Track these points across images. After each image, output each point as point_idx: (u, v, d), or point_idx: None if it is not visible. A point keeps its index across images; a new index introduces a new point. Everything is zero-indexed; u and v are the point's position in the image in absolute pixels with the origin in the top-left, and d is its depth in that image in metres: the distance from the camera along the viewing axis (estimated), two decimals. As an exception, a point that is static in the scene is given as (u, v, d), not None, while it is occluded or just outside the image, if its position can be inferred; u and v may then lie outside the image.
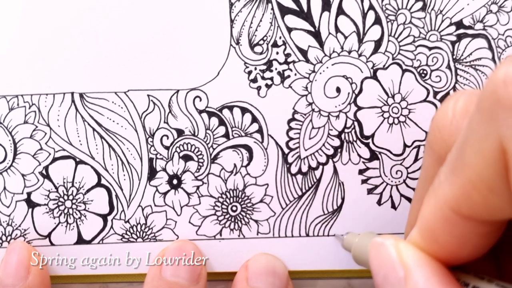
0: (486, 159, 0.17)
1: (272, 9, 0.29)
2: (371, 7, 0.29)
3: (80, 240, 0.31)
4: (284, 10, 0.29)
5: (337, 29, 0.29)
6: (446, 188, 0.18)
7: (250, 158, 0.30)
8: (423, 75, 0.29)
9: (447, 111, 0.21)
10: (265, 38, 0.30)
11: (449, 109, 0.21)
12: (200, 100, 0.30)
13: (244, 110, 0.30)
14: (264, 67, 0.30)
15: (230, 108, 0.30)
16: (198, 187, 0.30)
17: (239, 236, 0.30)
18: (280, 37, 0.29)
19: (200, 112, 0.30)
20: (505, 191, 0.17)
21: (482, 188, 0.17)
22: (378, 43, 0.29)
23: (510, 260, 0.22)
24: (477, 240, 0.19)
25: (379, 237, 0.21)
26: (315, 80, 0.30)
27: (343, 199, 0.30)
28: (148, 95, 0.30)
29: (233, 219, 0.30)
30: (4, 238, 0.31)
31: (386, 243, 0.21)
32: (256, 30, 0.29)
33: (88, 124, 0.30)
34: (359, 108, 0.30)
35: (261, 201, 0.30)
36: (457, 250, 0.19)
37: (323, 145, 0.30)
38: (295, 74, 0.30)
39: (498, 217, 0.18)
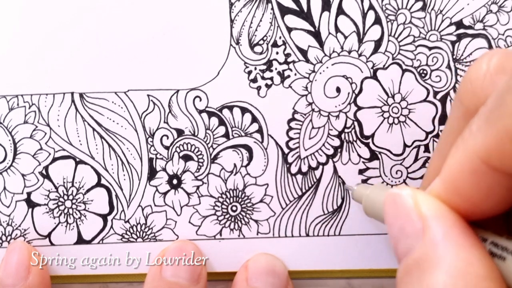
0: None
1: (272, 9, 0.29)
2: (371, 7, 0.29)
3: (80, 240, 0.31)
4: (284, 10, 0.29)
5: (337, 29, 0.29)
6: (478, 137, 0.18)
7: (250, 158, 0.30)
8: (423, 75, 0.29)
9: (481, 65, 0.21)
10: (265, 38, 0.29)
11: (484, 63, 0.21)
12: (200, 100, 0.30)
13: (244, 110, 0.30)
14: (264, 67, 0.30)
15: (230, 108, 0.30)
16: (198, 187, 0.30)
17: (239, 236, 0.30)
18: (280, 37, 0.29)
19: (200, 112, 0.30)
20: None
21: None
22: (378, 43, 0.29)
23: None
24: (502, 193, 0.18)
25: (396, 187, 0.21)
26: (315, 80, 0.30)
27: (343, 199, 0.30)
28: (148, 95, 0.30)
29: (233, 219, 0.30)
30: (4, 238, 0.31)
31: (403, 193, 0.20)
32: (256, 30, 0.29)
33: (88, 124, 0.30)
34: (359, 108, 0.30)
35: (261, 201, 0.30)
36: (480, 203, 0.19)
37: (323, 145, 0.30)
38: (295, 74, 0.30)
39: None
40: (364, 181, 0.30)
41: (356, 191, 0.28)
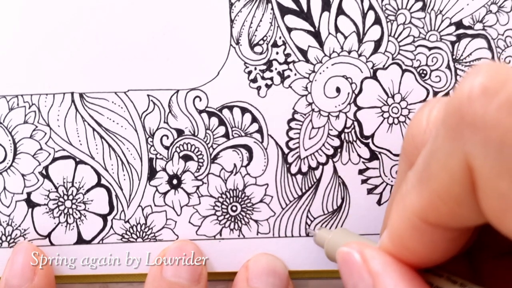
0: (452, 175, 0.17)
1: (272, 9, 0.29)
2: (371, 7, 0.29)
3: (80, 240, 0.31)
4: (284, 10, 0.29)
5: (337, 29, 0.29)
6: (413, 197, 0.18)
7: (250, 158, 0.30)
8: (423, 75, 0.30)
9: (421, 120, 0.21)
10: (265, 38, 0.30)
11: (424, 117, 0.21)
12: (200, 100, 0.30)
13: (244, 110, 0.30)
14: (264, 67, 0.30)
15: (230, 108, 0.30)
16: (198, 187, 0.30)
17: (239, 236, 0.30)
18: (280, 37, 0.29)
19: (200, 112, 0.30)
20: (472, 204, 0.17)
21: (449, 200, 0.17)
22: (378, 43, 0.29)
23: (484, 261, 0.22)
24: (446, 245, 0.19)
25: (344, 245, 0.21)
26: (315, 80, 0.30)
27: (343, 199, 0.30)
28: (148, 95, 0.30)
29: (233, 219, 0.30)
30: (4, 238, 0.31)
31: (351, 251, 0.20)
32: (256, 30, 0.29)
33: (88, 124, 0.30)
34: (359, 108, 0.30)
35: (261, 201, 0.30)
36: (427, 255, 0.19)
37: (323, 145, 0.30)
38: (295, 74, 0.30)
39: (465, 224, 0.18)
40: (364, 182, 0.30)
41: (317, 235, 0.28)
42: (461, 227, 0.18)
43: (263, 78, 0.30)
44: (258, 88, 0.30)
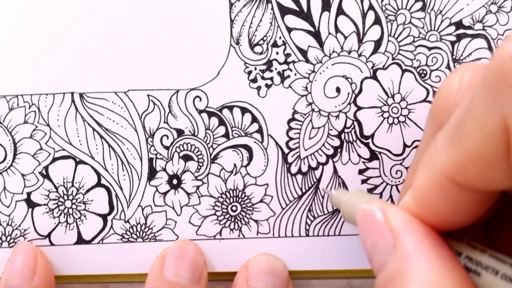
0: (487, 135, 0.16)
1: (272, 9, 0.29)
2: (371, 7, 0.29)
3: (80, 240, 0.31)
4: (284, 10, 0.29)
5: (337, 29, 0.29)
6: (443, 156, 0.18)
7: (250, 158, 0.30)
8: (422, 75, 0.30)
9: (453, 82, 0.21)
10: (265, 38, 0.30)
11: (455, 80, 0.21)
12: (200, 100, 0.30)
13: (244, 110, 0.30)
14: (264, 67, 0.30)
15: (230, 108, 0.30)
16: (198, 187, 0.30)
17: (239, 236, 0.30)
18: (280, 37, 0.29)
19: (200, 112, 0.30)
20: (504, 166, 0.17)
21: (480, 161, 0.17)
22: (377, 43, 0.29)
23: (501, 230, 0.22)
24: (471, 207, 0.19)
25: (366, 202, 0.21)
26: (315, 80, 0.30)
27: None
28: (148, 95, 0.30)
29: (233, 219, 0.30)
30: (4, 238, 0.31)
31: (373, 209, 0.20)
32: (256, 30, 0.29)
33: (88, 124, 0.30)
34: (359, 108, 0.30)
35: (261, 201, 0.30)
36: (450, 217, 0.19)
37: (323, 145, 0.30)
38: (295, 74, 0.30)
39: (493, 187, 0.18)
40: (364, 182, 0.30)
41: (334, 196, 0.28)
42: (488, 190, 0.18)
43: (263, 78, 0.30)
44: (258, 88, 0.30)
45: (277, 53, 0.30)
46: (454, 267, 0.18)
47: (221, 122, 0.30)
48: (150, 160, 0.30)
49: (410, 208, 0.20)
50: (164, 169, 0.30)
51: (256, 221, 0.30)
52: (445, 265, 0.18)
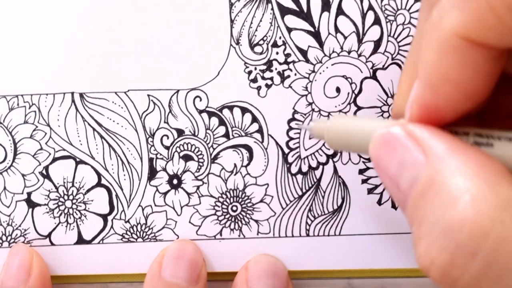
0: None
1: (272, 9, 0.29)
2: (371, 7, 0.29)
3: (80, 240, 0.31)
4: (284, 10, 0.29)
5: (336, 29, 0.29)
6: (454, 15, 0.17)
7: (250, 158, 0.30)
8: (422, 75, 0.30)
9: None
10: (265, 38, 0.30)
11: None
12: (200, 100, 0.30)
13: (244, 110, 0.30)
14: (264, 67, 0.30)
15: (230, 108, 0.30)
16: (198, 187, 0.30)
17: (239, 236, 0.30)
18: (280, 37, 0.30)
19: (200, 112, 0.30)
20: None
21: (501, 9, 0.16)
22: (377, 43, 0.29)
23: (495, 123, 0.21)
24: (488, 67, 0.18)
25: (382, 127, 0.20)
26: (315, 80, 0.30)
27: (343, 199, 0.30)
28: (148, 95, 0.30)
29: (233, 219, 0.30)
30: (4, 238, 0.30)
31: (392, 130, 0.19)
32: (256, 30, 0.30)
33: (88, 124, 0.30)
34: (359, 108, 0.30)
35: (261, 201, 0.30)
36: (468, 84, 0.18)
37: (323, 145, 0.30)
38: (295, 74, 0.30)
39: (510, 43, 0.17)
40: (364, 181, 0.30)
41: (315, 127, 0.25)
42: (504, 47, 0.17)
43: (263, 78, 0.30)
44: (258, 88, 0.30)
45: (277, 53, 0.30)
46: (489, 158, 0.18)
47: (221, 122, 0.30)
48: (151, 160, 0.30)
49: (423, 96, 0.19)
50: (165, 169, 0.30)
51: (256, 221, 0.30)
52: (481, 156, 0.18)
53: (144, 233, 0.30)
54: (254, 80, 0.30)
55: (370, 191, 0.30)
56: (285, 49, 0.30)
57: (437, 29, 0.18)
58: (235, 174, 0.30)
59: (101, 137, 0.30)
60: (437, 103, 0.19)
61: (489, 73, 0.18)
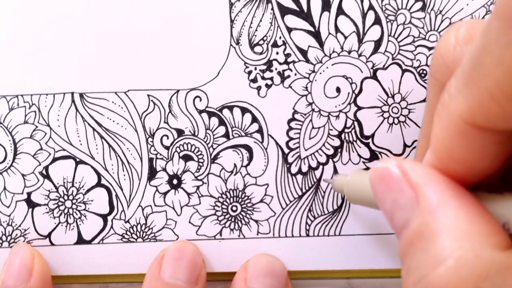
0: (507, 68, 0.16)
1: (272, 9, 0.29)
2: (371, 7, 0.29)
3: (80, 240, 0.31)
4: (284, 10, 0.29)
5: (337, 29, 0.29)
6: (459, 101, 0.18)
7: (250, 158, 0.30)
8: (422, 75, 0.30)
9: (449, 38, 0.21)
10: (265, 38, 0.30)
11: (451, 36, 0.21)
12: (200, 100, 0.30)
13: (244, 110, 0.30)
14: (264, 67, 0.30)
15: (230, 108, 0.30)
16: (198, 187, 0.30)
17: (239, 236, 0.30)
18: (280, 37, 0.29)
19: (200, 112, 0.30)
20: None
21: (501, 97, 0.16)
22: (378, 43, 0.29)
23: None
24: (495, 149, 0.18)
25: (379, 161, 0.20)
26: (315, 80, 0.30)
27: (343, 199, 0.30)
28: (148, 95, 0.30)
29: (233, 219, 0.30)
30: (4, 238, 0.31)
31: (388, 166, 0.19)
32: (256, 30, 0.29)
33: (88, 124, 0.30)
34: (359, 108, 0.30)
35: (261, 201, 0.30)
36: (474, 164, 0.18)
37: (323, 145, 0.30)
38: (295, 74, 0.30)
39: None
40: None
41: (336, 181, 0.27)
42: (509, 129, 0.17)
43: (263, 78, 0.30)
44: (258, 88, 0.30)
45: (277, 53, 0.30)
46: (481, 213, 0.18)
47: (221, 122, 0.30)
48: (150, 160, 0.30)
49: (432, 164, 0.19)
50: (164, 169, 0.30)
51: (256, 221, 0.30)
52: (473, 212, 0.18)
53: (144, 233, 0.31)
54: (254, 80, 0.30)
55: (370, 191, 0.30)
56: (285, 49, 0.30)
57: (446, 112, 0.18)
58: (235, 174, 0.30)
59: (101, 137, 0.30)
60: (448, 174, 0.19)
61: (497, 154, 0.18)
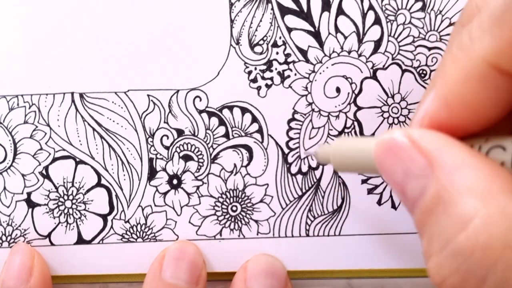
0: None
1: (272, 9, 0.29)
2: (371, 7, 0.29)
3: (80, 240, 0.31)
4: (284, 10, 0.29)
5: (337, 29, 0.29)
6: (485, 41, 0.17)
7: (250, 158, 0.30)
8: (422, 75, 0.30)
9: None
10: (265, 38, 0.30)
11: None
12: (200, 100, 0.30)
13: (244, 110, 0.30)
14: (264, 67, 0.30)
15: (230, 108, 0.30)
16: (198, 187, 0.30)
17: (239, 236, 0.30)
18: (280, 37, 0.29)
19: (200, 112, 0.30)
20: None
21: None
22: (377, 43, 0.29)
23: None
24: (508, 96, 0.18)
25: (384, 133, 0.19)
26: (315, 80, 0.30)
27: (343, 199, 0.30)
28: (148, 95, 0.30)
29: (233, 219, 0.30)
30: (4, 238, 0.31)
31: (395, 137, 0.19)
32: (256, 30, 0.29)
33: (88, 124, 0.30)
34: (359, 108, 0.30)
35: (261, 201, 0.30)
36: (487, 111, 0.18)
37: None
38: (295, 74, 0.30)
39: None
40: (364, 182, 0.30)
41: (320, 151, 0.26)
42: None
43: (263, 78, 0.30)
44: (258, 88, 0.30)
45: (277, 53, 0.30)
46: (498, 170, 0.17)
47: (221, 122, 0.30)
48: (150, 160, 0.30)
49: (437, 111, 0.19)
50: (164, 169, 0.30)
51: (256, 221, 0.30)
52: (490, 170, 0.17)
53: (144, 233, 0.30)
54: (254, 80, 0.30)
55: (370, 191, 0.30)
56: (285, 49, 0.30)
57: (467, 53, 0.18)
58: (235, 174, 0.30)
59: (101, 137, 0.30)
60: (451, 121, 0.19)
61: (508, 101, 0.18)
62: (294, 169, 0.30)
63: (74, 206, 0.30)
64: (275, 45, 0.30)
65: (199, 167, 0.30)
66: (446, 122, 0.19)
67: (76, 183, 0.30)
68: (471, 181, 0.17)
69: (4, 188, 0.30)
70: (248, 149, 0.30)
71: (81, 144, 0.30)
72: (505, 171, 0.17)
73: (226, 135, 0.30)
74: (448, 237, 0.17)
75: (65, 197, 0.30)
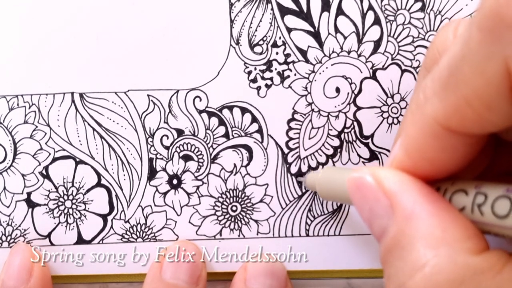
0: (487, 79, 0.16)
1: (272, 9, 0.29)
2: (371, 7, 0.29)
3: (80, 240, 0.31)
4: (284, 11, 0.29)
5: (336, 30, 0.29)
6: (435, 103, 0.18)
7: (250, 158, 0.30)
8: (422, 75, 0.30)
9: (447, 34, 0.21)
10: (265, 38, 0.30)
11: (450, 32, 0.21)
12: (200, 100, 0.30)
13: (244, 110, 0.30)
14: (264, 67, 0.30)
15: (230, 108, 0.30)
16: (198, 187, 0.30)
17: (239, 236, 0.30)
18: (280, 37, 0.30)
19: (200, 112, 0.30)
20: (504, 109, 0.16)
21: (479, 105, 0.17)
22: (377, 44, 0.29)
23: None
24: (465, 151, 0.18)
25: (354, 171, 0.20)
26: (315, 80, 0.30)
27: (343, 199, 0.30)
28: (148, 95, 0.30)
29: (233, 219, 0.30)
30: (4, 238, 0.31)
31: (362, 175, 0.20)
32: (256, 30, 0.30)
33: (88, 124, 0.30)
34: (359, 108, 0.30)
35: (261, 201, 0.30)
36: (444, 163, 0.19)
37: (323, 145, 0.30)
38: (295, 74, 0.30)
39: (490, 130, 0.18)
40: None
41: (308, 179, 0.28)
42: (483, 133, 0.18)
43: (263, 78, 0.30)
44: (258, 88, 0.30)
45: (277, 53, 0.30)
46: (455, 217, 0.18)
47: (221, 122, 0.30)
48: (150, 160, 0.30)
49: (401, 160, 0.19)
50: (164, 169, 0.30)
51: (256, 221, 0.30)
52: (447, 218, 0.18)
53: (144, 233, 0.30)
54: (254, 80, 0.30)
55: (369, 191, 0.30)
56: (285, 49, 0.30)
57: (421, 111, 0.19)
58: (234, 174, 0.30)
59: (101, 137, 0.30)
60: (414, 170, 0.19)
61: (467, 155, 0.19)
62: (294, 169, 0.30)
63: (74, 206, 0.30)
64: (275, 45, 0.30)
65: (199, 167, 0.30)
66: (410, 170, 0.19)
67: (76, 183, 0.30)
68: (426, 228, 0.18)
69: (4, 188, 0.30)
70: (248, 149, 0.30)
71: (81, 144, 0.30)
72: (462, 217, 0.18)
73: (226, 135, 0.30)
74: (401, 280, 0.18)
75: (65, 197, 0.30)
